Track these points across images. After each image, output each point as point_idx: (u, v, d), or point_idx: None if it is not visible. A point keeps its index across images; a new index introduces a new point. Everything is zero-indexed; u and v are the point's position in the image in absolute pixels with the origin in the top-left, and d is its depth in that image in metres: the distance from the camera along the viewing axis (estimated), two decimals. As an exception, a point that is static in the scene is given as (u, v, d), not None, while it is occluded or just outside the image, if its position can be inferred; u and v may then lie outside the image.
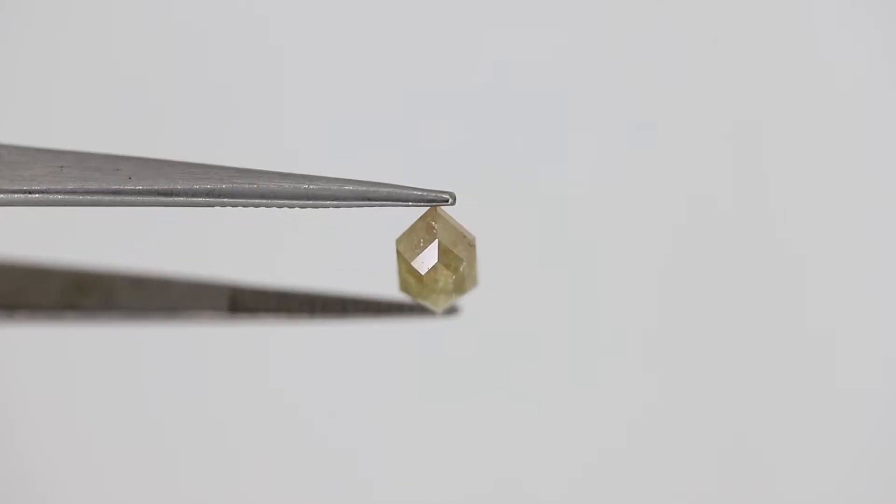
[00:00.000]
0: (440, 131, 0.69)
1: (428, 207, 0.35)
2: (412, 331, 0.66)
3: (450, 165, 0.69)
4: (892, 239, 0.69)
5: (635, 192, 0.69)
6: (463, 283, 0.36)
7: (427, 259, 0.36)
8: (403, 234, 0.36)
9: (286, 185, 0.33)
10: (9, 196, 0.33)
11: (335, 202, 0.34)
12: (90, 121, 0.70)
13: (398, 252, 0.36)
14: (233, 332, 0.66)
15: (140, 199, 0.33)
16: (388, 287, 0.38)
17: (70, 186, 0.32)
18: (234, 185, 0.34)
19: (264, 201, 0.33)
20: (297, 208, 0.34)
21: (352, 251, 0.65)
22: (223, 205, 0.33)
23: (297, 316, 0.34)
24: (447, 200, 0.35)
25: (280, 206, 0.34)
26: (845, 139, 0.69)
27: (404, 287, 0.36)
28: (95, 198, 0.33)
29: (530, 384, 0.70)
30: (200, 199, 0.33)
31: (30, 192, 0.33)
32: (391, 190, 0.35)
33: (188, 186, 0.32)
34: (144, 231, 0.67)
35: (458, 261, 0.36)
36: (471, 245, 0.37)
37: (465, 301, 0.64)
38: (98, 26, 0.70)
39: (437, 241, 0.36)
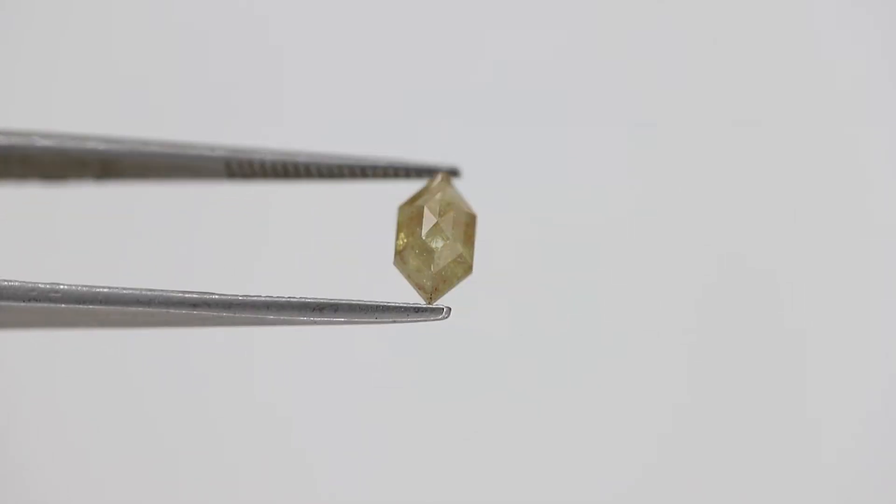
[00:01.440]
0: (440, 131, 0.69)
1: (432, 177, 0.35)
2: (410, 331, 0.66)
3: (455, 165, 0.69)
4: (892, 236, 0.69)
5: (635, 192, 0.69)
6: (458, 243, 0.36)
7: (429, 199, 0.36)
8: (406, 201, 0.36)
9: (300, 158, 0.34)
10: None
11: (343, 174, 0.34)
12: (90, 121, 0.70)
13: (399, 214, 0.36)
14: (226, 335, 0.66)
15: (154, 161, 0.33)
16: (383, 261, 0.38)
17: None
18: (243, 155, 0.34)
19: (282, 170, 0.34)
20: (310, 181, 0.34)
21: (352, 229, 0.65)
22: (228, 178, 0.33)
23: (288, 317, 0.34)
24: (454, 172, 0.35)
25: (294, 179, 0.34)
26: (845, 139, 0.69)
27: (398, 244, 0.36)
28: None
29: (527, 385, 0.69)
30: (212, 168, 0.34)
31: None
32: (398, 162, 0.35)
33: (199, 154, 0.32)
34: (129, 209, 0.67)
35: (459, 214, 0.36)
36: (472, 213, 0.37)
37: (464, 300, 0.64)
38: (98, 26, 0.70)
39: (440, 193, 0.36)
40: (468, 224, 0.36)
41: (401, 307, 0.34)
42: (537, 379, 0.69)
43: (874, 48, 0.69)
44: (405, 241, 0.36)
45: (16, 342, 0.69)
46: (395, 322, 0.34)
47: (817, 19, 0.69)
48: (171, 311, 0.30)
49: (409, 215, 0.36)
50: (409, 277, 0.36)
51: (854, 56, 0.69)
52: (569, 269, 0.69)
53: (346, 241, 0.66)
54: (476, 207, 0.66)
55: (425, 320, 0.34)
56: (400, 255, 0.36)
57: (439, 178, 0.37)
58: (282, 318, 0.32)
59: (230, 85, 0.69)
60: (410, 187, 0.41)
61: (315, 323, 0.33)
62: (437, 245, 0.36)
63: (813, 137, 0.69)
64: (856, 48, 0.69)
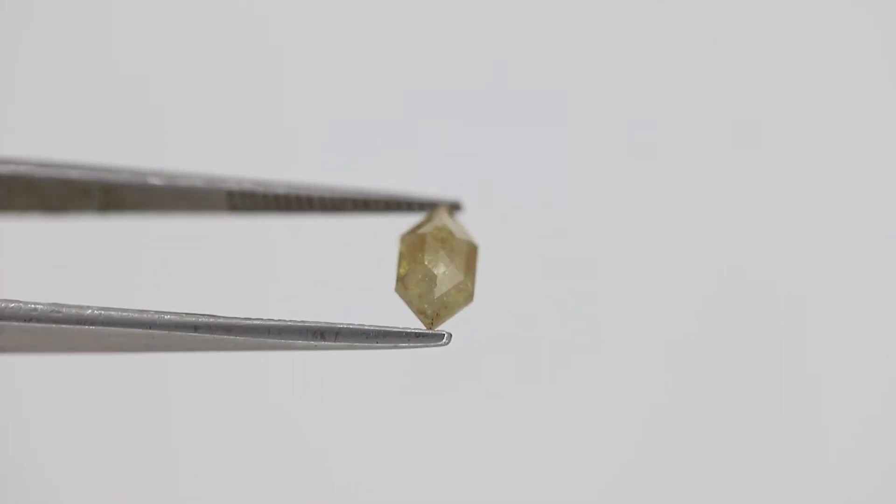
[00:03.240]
0: (440, 131, 0.69)
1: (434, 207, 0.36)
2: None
3: (449, 166, 0.69)
4: (892, 237, 0.69)
5: (635, 192, 0.69)
6: (459, 270, 0.36)
7: (430, 228, 0.36)
8: (407, 230, 0.37)
9: (301, 192, 0.34)
10: None
11: (348, 205, 0.34)
12: (90, 121, 0.70)
13: (400, 242, 0.36)
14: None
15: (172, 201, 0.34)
16: (385, 291, 0.38)
17: None
18: (245, 187, 0.34)
19: (280, 208, 0.34)
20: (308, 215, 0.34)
21: (354, 258, 0.65)
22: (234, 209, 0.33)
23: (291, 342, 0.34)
24: (456, 206, 0.35)
25: (297, 212, 0.35)
26: (845, 139, 0.69)
27: (400, 270, 0.36)
28: None
29: (527, 391, 0.70)
30: (214, 200, 0.34)
31: None
32: (402, 195, 0.35)
33: (201, 186, 0.33)
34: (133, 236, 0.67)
35: (460, 243, 0.36)
36: (473, 243, 0.37)
37: (465, 310, 0.64)
38: (98, 26, 0.70)
39: (442, 222, 0.36)
40: (469, 253, 0.37)
41: (402, 332, 0.34)
42: (537, 386, 0.70)
43: (874, 48, 0.69)
44: (407, 268, 0.36)
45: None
46: (395, 347, 0.34)
47: (817, 19, 0.69)
48: (172, 333, 0.30)
49: (412, 243, 0.36)
50: (410, 304, 0.36)
51: (854, 56, 0.69)
52: (567, 272, 0.69)
53: (347, 270, 0.66)
54: (474, 208, 0.66)
55: (426, 346, 0.35)
56: (402, 282, 0.36)
57: (441, 208, 0.37)
58: (283, 342, 0.32)
59: (230, 85, 0.69)
60: (413, 219, 0.41)
61: (315, 348, 0.33)
62: (439, 271, 0.36)
63: (814, 138, 0.69)
64: (856, 48, 0.69)
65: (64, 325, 0.30)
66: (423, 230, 0.36)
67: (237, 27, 0.69)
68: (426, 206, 0.36)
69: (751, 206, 0.69)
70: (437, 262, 0.36)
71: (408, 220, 0.38)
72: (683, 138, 0.69)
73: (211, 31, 0.69)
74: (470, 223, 0.60)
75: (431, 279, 0.36)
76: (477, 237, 0.41)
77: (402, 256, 0.36)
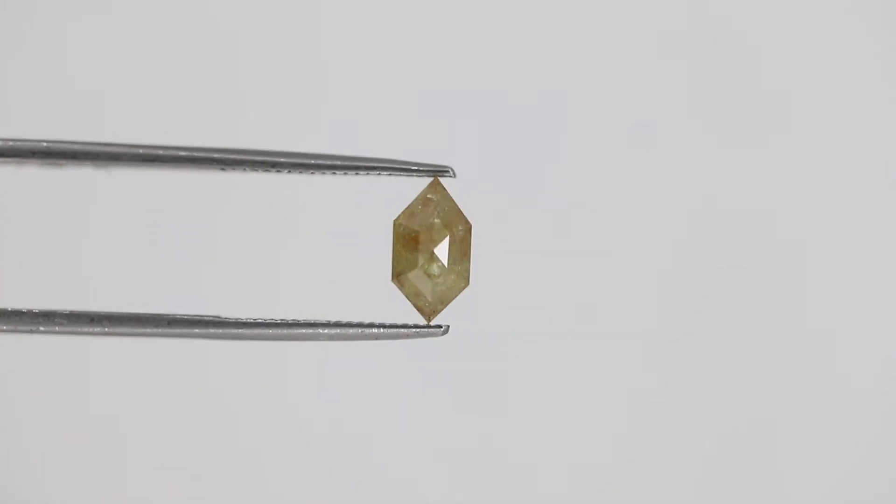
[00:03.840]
0: (440, 131, 0.69)
1: (427, 184, 0.36)
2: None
3: (449, 165, 0.69)
4: (892, 236, 0.69)
5: (635, 192, 0.69)
6: (454, 265, 0.36)
7: (424, 221, 0.36)
8: (401, 212, 0.37)
9: (291, 158, 0.34)
10: None
11: (338, 169, 0.35)
12: (86, 119, 0.70)
13: (395, 229, 0.36)
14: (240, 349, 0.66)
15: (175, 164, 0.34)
16: (381, 278, 0.39)
17: None
18: (244, 156, 0.34)
19: (274, 168, 0.34)
20: (305, 173, 0.35)
21: (349, 237, 0.65)
22: (228, 166, 0.34)
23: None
24: (447, 172, 0.36)
25: (289, 171, 0.35)
26: (845, 139, 0.69)
27: (397, 267, 0.36)
28: None
29: (527, 387, 0.70)
30: (215, 165, 0.34)
31: None
32: (392, 162, 0.35)
33: (209, 150, 0.33)
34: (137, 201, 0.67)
35: (455, 226, 0.36)
36: (467, 224, 0.37)
37: (463, 299, 0.64)
38: (97, 26, 0.70)
39: (435, 209, 0.36)
40: (463, 239, 0.37)
41: (401, 326, 0.35)
42: (535, 383, 0.70)
43: (874, 48, 0.69)
44: (403, 264, 0.36)
45: (11, 346, 0.69)
46: (395, 339, 0.34)
47: (818, 19, 0.69)
48: (179, 330, 0.30)
49: (405, 238, 0.36)
50: (407, 297, 0.36)
51: (854, 56, 0.69)
52: (568, 266, 0.69)
53: (345, 246, 0.66)
54: (474, 209, 0.66)
55: (424, 337, 0.35)
56: (398, 279, 0.36)
57: (432, 186, 0.37)
58: (286, 332, 0.33)
59: (230, 85, 0.69)
60: (405, 184, 0.41)
61: (316, 338, 0.33)
62: (435, 271, 0.36)
63: (813, 138, 0.69)
64: (856, 48, 0.69)
65: (67, 328, 0.30)
66: (414, 224, 0.36)
67: (237, 27, 0.69)
68: (416, 171, 0.37)
69: (749, 203, 0.69)
70: (431, 262, 0.36)
71: (399, 182, 0.38)
72: (683, 138, 0.69)
73: (210, 31, 0.69)
74: (461, 190, 0.60)
75: (427, 278, 0.36)
76: (468, 204, 0.41)
77: (396, 248, 0.36)
